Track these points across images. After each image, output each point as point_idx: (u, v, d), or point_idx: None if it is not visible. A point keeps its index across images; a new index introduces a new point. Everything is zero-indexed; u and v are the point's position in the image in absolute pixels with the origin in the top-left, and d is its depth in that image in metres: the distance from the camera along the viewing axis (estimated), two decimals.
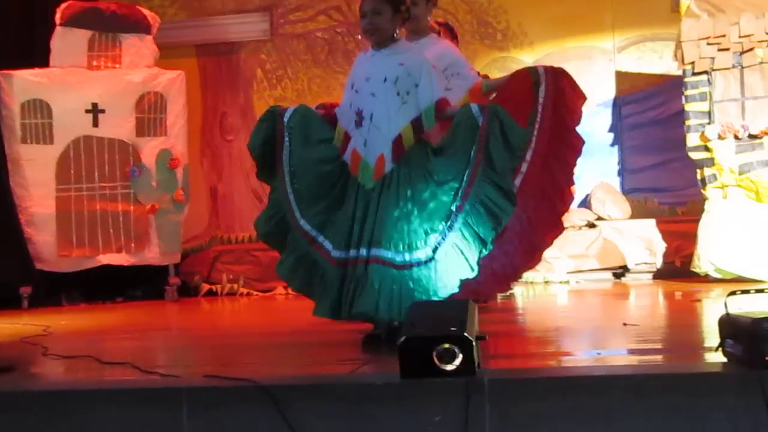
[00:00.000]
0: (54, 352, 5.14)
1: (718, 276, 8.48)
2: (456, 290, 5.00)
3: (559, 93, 5.82)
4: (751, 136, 8.48)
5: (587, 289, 8.81)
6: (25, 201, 9.19)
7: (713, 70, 8.63)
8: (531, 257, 6.42)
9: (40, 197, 9.19)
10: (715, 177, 8.63)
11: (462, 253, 4.96)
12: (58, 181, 9.28)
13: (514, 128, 5.00)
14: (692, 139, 8.71)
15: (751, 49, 8.52)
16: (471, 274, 5.02)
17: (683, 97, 8.80)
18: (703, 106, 8.69)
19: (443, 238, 4.97)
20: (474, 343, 3.52)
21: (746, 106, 8.55)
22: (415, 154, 5.11)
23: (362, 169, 5.11)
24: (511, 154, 5.02)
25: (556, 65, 6.34)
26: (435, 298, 4.92)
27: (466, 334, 3.51)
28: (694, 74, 8.71)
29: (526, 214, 5.93)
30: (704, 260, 8.53)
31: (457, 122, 5.06)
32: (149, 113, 9.57)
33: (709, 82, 8.66)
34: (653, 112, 10.25)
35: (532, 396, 3.52)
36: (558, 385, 3.57)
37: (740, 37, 8.54)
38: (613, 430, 3.44)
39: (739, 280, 8.20)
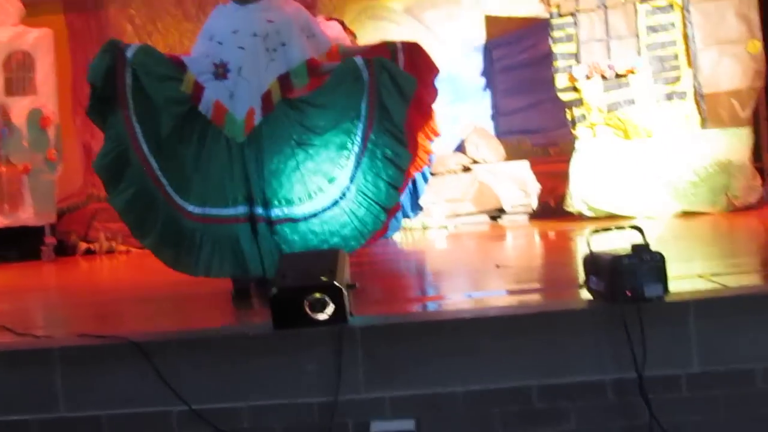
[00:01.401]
0: None
1: (591, 214, 8.69)
2: (369, 235, 5.07)
3: (414, 68, 5.77)
4: (618, 76, 8.67)
5: (465, 233, 8.95)
6: None
7: (578, 11, 8.79)
8: None
9: None
10: (584, 116, 8.82)
11: (370, 200, 5.02)
12: None
13: (404, 77, 5.07)
14: (561, 80, 8.88)
15: None
16: (381, 219, 5.08)
17: (550, 39, 8.95)
18: (570, 48, 8.85)
19: (347, 189, 5.01)
20: (345, 292, 3.57)
21: (611, 46, 8.73)
22: (284, 109, 5.13)
23: (229, 122, 5.08)
24: (405, 103, 5.08)
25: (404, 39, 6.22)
26: (348, 244, 4.98)
27: (336, 283, 3.56)
28: (560, 16, 8.88)
29: None
30: (576, 199, 8.72)
31: (341, 75, 5.09)
32: (17, 72, 9.37)
33: (575, 23, 8.82)
34: (523, 55, 10.40)
35: (403, 341, 3.59)
36: (429, 329, 3.65)
37: None
38: (482, 369, 3.54)
39: (611, 217, 8.42)
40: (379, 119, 5.01)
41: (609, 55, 8.71)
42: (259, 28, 5.15)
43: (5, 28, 9.45)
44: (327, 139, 5.07)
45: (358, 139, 5.01)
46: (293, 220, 5.05)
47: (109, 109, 5.15)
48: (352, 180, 5.02)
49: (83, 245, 10.08)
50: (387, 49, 5.58)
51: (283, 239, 5.02)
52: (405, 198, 7.31)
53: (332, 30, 6.69)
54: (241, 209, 5.04)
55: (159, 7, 10.78)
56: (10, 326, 4.30)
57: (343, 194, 5.03)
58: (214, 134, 5.10)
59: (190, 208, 5.06)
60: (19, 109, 9.41)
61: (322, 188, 5.04)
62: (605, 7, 8.72)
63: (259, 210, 5.03)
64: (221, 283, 5.30)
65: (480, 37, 10.46)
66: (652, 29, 8.60)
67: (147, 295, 5.92)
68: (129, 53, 5.12)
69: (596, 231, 3.81)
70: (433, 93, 5.73)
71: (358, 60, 5.11)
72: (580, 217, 8.76)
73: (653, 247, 3.59)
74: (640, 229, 3.71)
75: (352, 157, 5.01)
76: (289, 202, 5.03)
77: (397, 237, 8.61)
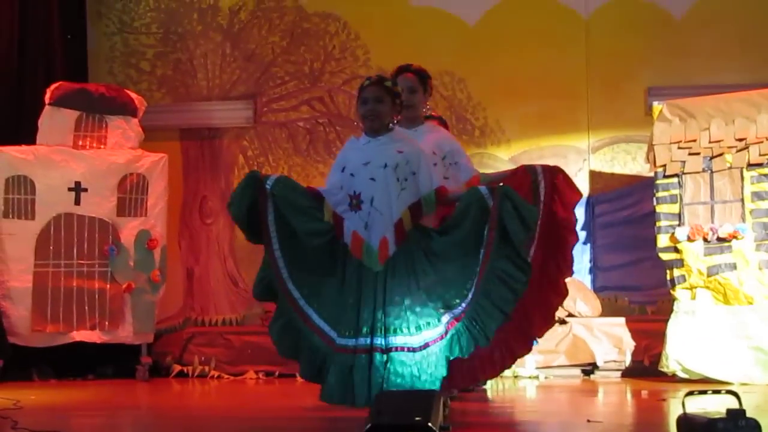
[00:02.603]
0: (24, 426, 5.19)
1: (686, 376, 8.56)
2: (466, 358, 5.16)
3: (555, 190, 5.92)
4: (720, 239, 8.64)
5: (556, 385, 8.88)
6: (3, 275, 9.21)
7: (684, 173, 8.82)
8: (524, 345, 6.42)
9: (18, 272, 9.24)
10: (684, 278, 8.76)
11: (478, 324, 5.10)
12: (37, 256, 9.34)
13: (526, 206, 5.20)
14: (662, 240, 8.87)
15: (721, 154, 8.72)
16: (485, 343, 5.15)
17: (654, 199, 8.98)
18: (674, 208, 8.85)
19: (460, 314, 5.11)
20: None
21: (715, 210, 8.72)
22: (416, 237, 5.27)
23: (367, 252, 5.24)
24: (526, 229, 5.19)
25: (546, 163, 6.41)
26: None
27: (430, 424, 3.60)
28: (665, 176, 8.90)
29: (523, 305, 5.94)
30: (672, 360, 8.62)
31: (467, 204, 5.23)
32: (131, 194, 9.69)
33: (680, 184, 8.84)
34: (625, 212, 10.45)
35: None
36: None
37: (710, 142, 8.74)
38: None
39: (706, 381, 8.29)
40: (498, 245, 5.11)
41: (712, 219, 8.71)
42: (390, 158, 5.34)
43: (124, 151, 9.81)
44: (453, 269, 5.19)
45: (479, 266, 5.13)
46: (411, 350, 5.13)
47: (259, 236, 5.35)
48: (466, 305, 5.12)
49: (177, 367, 10.22)
50: (527, 173, 5.73)
51: (398, 368, 5.08)
52: None
53: (439, 135, 6.67)
54: (367, 339, 5.14)
55: (271, 140, 11.10)
56: None
57: (456, 319, 5.12)
58: (354, 264, 5.25)
59: (339, 340, 5.18)
60: (129, 229, 9.68)
61: (440, 317, 5.15)
62: (711, 170, 8.76)
63: (379, 340, 5.13)
64: (311, 421, 5.36)
65: (583, 191, 10.55)
66: (758, 195, 8.59)
67: (237, 422, 5.99)
68: (269, 184, 5.33)
69: (691, 393, 3.81)
70: (573, 217, 5.85)
71: (483, 189, 5.25)
72: (674, 379, 8.66)
73: (749, 414, 3.57)
74: (736, 395, 3.71)
75: (472, 286, 5.13)
76: (409, 331, 5.12)
77: (488, 384, 8.58)
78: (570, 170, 10.27)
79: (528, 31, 10.86)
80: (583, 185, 10.56)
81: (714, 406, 3.75)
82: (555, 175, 5.91)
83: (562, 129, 10.67)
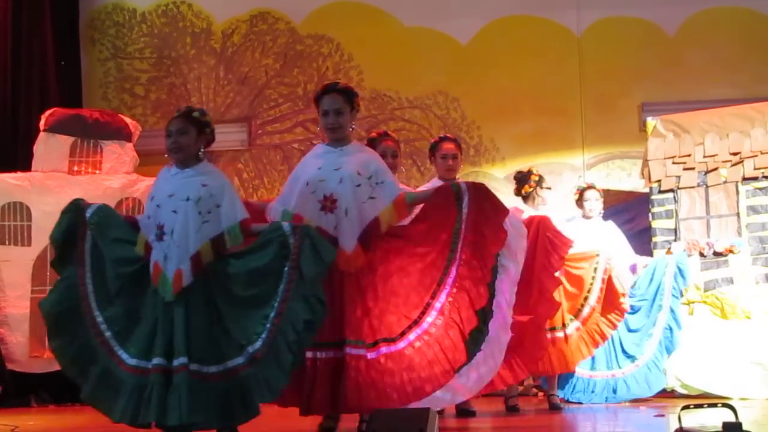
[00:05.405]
0: None
1: (684, 392, 8.57)
2: (275, 396, 5.16)
3: (480, 210, 5.83)
4: (716, 254, 8.66)
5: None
6: (0, 301, 9.22)
7: (679, 188, 8.86)
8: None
9: (15, 298, 9.25)
10: (681, 293, 8.76)
11: (278, 362, 5.10)
12: (34, 282, 9.32)
13: (325, 246, 5.22)
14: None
15: (716, 169, 8.76)
16: (284, 382, 5.15)
17: (650, 214, 9.02)
18: (669, 224, 8.88)
19: (262, 348, 5.11)
20: None
21: (711, 224, 8.75)
22: (216, 269, 5.28)
23: (162, 282, 5.26)
24: (322, 268, 5.20)
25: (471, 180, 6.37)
26: (255, 404, 5.08)
27: None
28: (660, 192, 8.94)
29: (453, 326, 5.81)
30: (670, 376, 8.62)
31: (268, 239, 5.25)
32: None
33: (675, 200, 8.87)
34: (621, 228, 10.42)
35: None
36: None
37: (705, 156, 8.79)
38: None
39: (705, 395, 8.29)
40: (297, 284, 5.13)
41: (708, 233, 8.73)
42: (193, 192, 5.35)
43: (119, 176, 9.82)
44: (248, 298, 5.20)
45: (278, 303, 5.14)
46: (205, 377, 5.12)
47: (69, 263, 5.42)
48: (264, 342, 5.12)
49: None
50: (451, 190, 5.73)
51: (195, 393, 5.08)
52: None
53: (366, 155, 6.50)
54: (161, 361, 5.14)
55: (266, 162, 11.13)
56: None
57: (254, 356, 5.12)
58: (153, 292, 5.29)
59: (129, 360, 5.22)
60: None
61: (240, 347, 5.15)
62: (706, 185, 8.79)
63: (179, 362, 5.12)
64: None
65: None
66: (753, 209, 8.63)
67: None
68: (88, 213, 5.41)
69: (687, 407, 3.81)
70: (502, 235, 5.76)
71: (285, 226, 5.27)
72: (673, 394, 8.65)
73: (746, 428, 3.57)
74: (732, 408, 3.70)
75: (270, 321, 5.14)
76: (206, 360, 5.13)
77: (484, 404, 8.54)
78: (565, 187, 10.34)
79: (521, 49, 10.91)
80: None
81: (711, 420, 3.74)
82: (479, 193, 5.82)
83: (557, 146, 10.70)
